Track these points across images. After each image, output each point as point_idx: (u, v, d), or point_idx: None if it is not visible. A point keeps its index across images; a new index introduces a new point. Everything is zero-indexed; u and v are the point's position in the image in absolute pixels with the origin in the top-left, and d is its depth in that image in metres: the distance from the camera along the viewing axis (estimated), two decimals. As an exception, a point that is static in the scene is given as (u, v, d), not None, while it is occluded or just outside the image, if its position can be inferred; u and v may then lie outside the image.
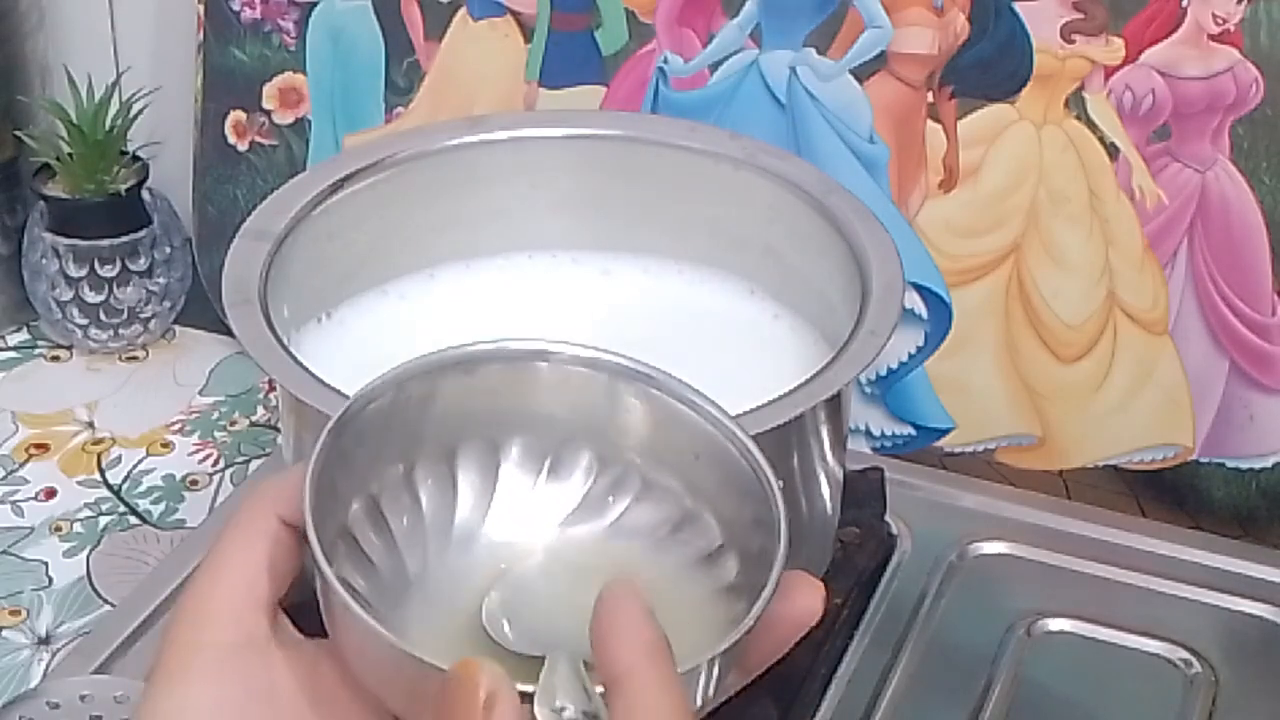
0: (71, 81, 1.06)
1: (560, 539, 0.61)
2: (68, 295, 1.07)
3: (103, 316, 1.08)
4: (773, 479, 0.59)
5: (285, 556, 0.56)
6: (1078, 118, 0.92)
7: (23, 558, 0.94)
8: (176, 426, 1.05)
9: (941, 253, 0.96)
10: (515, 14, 1.00)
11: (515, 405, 0.62)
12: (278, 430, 1.03)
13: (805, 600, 0.56)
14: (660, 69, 0.98)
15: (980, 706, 0.82)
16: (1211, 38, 0.89)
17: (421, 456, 0.61)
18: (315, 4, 1.02)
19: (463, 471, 0.62)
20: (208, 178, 1.07)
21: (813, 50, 0.95)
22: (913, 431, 0.98)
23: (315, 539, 0.53)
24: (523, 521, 0.61)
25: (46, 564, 0.94)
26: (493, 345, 0.62)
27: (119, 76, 1.08)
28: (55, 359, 1.11)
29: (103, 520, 0.97)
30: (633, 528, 0.61)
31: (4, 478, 1.00)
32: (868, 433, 0.99)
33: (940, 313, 0.96)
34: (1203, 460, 0.94)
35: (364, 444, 0.59)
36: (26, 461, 1.01)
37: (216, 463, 1.01)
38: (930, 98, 0.94)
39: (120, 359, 1.11)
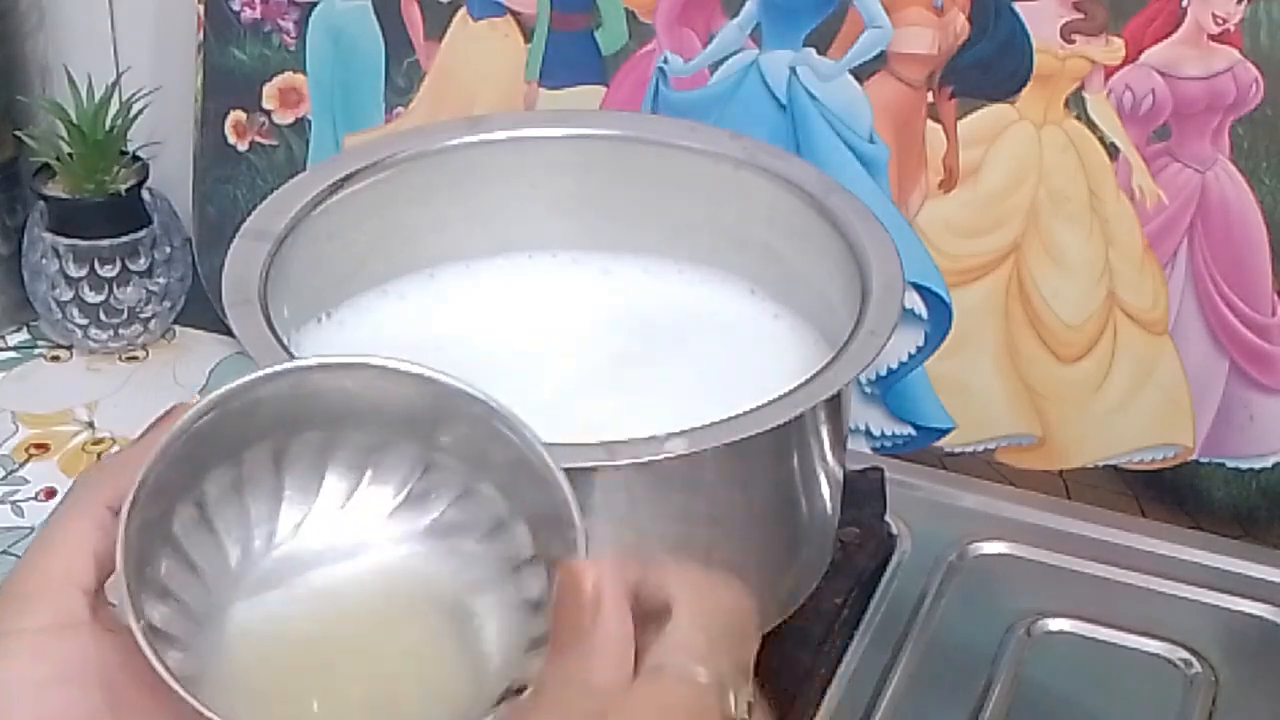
0: (71, 81, 1.06)
1: (376, 547, 0.63)
2: (68, 295, 1.07)
3: (103, 316, 1.08)
4: (578, 519, 0.60)
5: (110, 543, 0.56)
6: (1078, 118, 0.92)
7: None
8: (176, 426, 1.04)
9: (941, 253, 0.96)
10: (515, 14, 1.00)
11: (341, 412, 0.63)
12: (278, 430, 1.03)
13: None
14: (660, 69, 0.98)
15: (980, 706, 0.82)
16: (1211, 38, 0.89)
17: (248, 460, 0.62)
18: (315, 4, 1.02)
19: (289, 475, 0.63)
20: (208, 178, 1.07)
21: (813, 50, 0.95)
22: (913, 431, 0.98)
23: (124, 579, 0.54)
24: (346, 522, 0.63)
25: (46, 564, 0.94)
26: (319, 359, 0.63)
27: (119, 76, 1.08)
28: (55, 359, 1.11)
29: (103, 520, 0.97)
30: (449, 526, 0.63)
31: (4, 478, 1.00)
32: (868, 433, 0.99)
33: (940, 313, 0.96)
34: (1203, 460, 0.94)
35: (195, 452, 0.59)
36: (26, 461, 1.01)
37: (216, 463, 1.01)
38: (930, 98, 0.94)
39: (120, 359, 1.11)
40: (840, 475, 0.79)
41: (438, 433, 0.63)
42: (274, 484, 0.63)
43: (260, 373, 0.60)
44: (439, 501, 0.63)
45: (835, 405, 0.75)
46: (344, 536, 0.63)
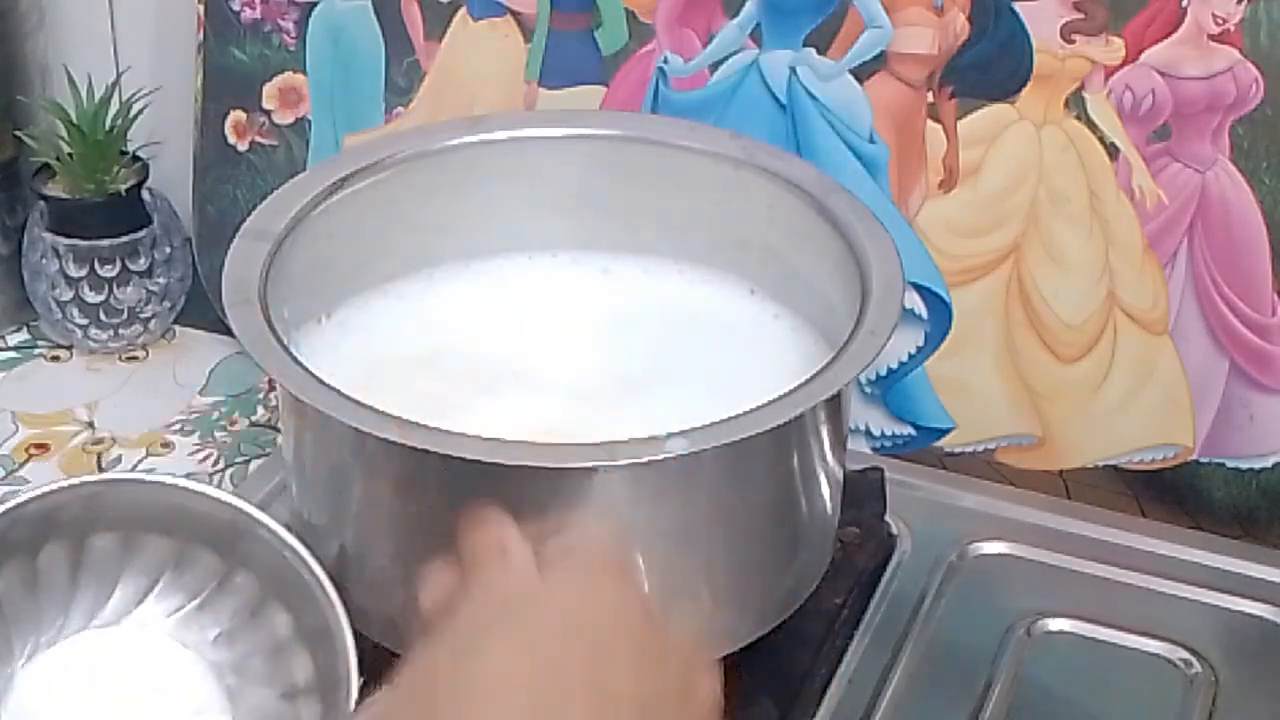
0: (71, 81, 1.06)
1: (159, 650, 0.67)
2: (68, 295, 1.07)
3: (103, 316, 1.08)
4: (335, 597, 0.65)
5: None
6: (1078, 118, 0.92)
7: (23, 558, 0.94)
8: (176, 426, 1.05)
9: (941, 253, 0.96)
10: (515, 14, 1.00)
11: (143, 518, 0.66)
12: (278, 430, 1.03)
13: None
14: (660, 69, 0.98)
15: (980, 706, 0.82)
16: (1211, 38, 0.89)
17: (44, 558, 0.65)
18: (315, 4, 1.02)
19: (84, 575, 0.67)
20: (208, 178, 1.07)
21: (813, 50, 0.95)
22: (913, 431, 0.98)
23: None
24: (135, 623, 0.67)
25: (46, 564, 0.94)
26: (115, 476, 0.70)
27: (119, 76, 1.08)
28: (55, 359, 1.11)
29: (103, 520, 0.97)
30: (234, 638, 0.67)
31: (4, 478, 1.00)
32: (868, 433, 0.99)
33: (940, 313, 0.96)
34: (1203, 460, 0.94)
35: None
36: (26, 461, 1.01)
37: (216, 463, 1.01)
38: (930, 98, 0.94)
39: (120, 359, 1.11)
40: (840, 475, 0.79)
41: (237, 548, 0.66)
42: (68, 582, 0.64)
43: (58, 484, 0.63)
44: (227, 615, 0.66)
45: (835, 405, 0.75)
46: (130, 636, 0.65)
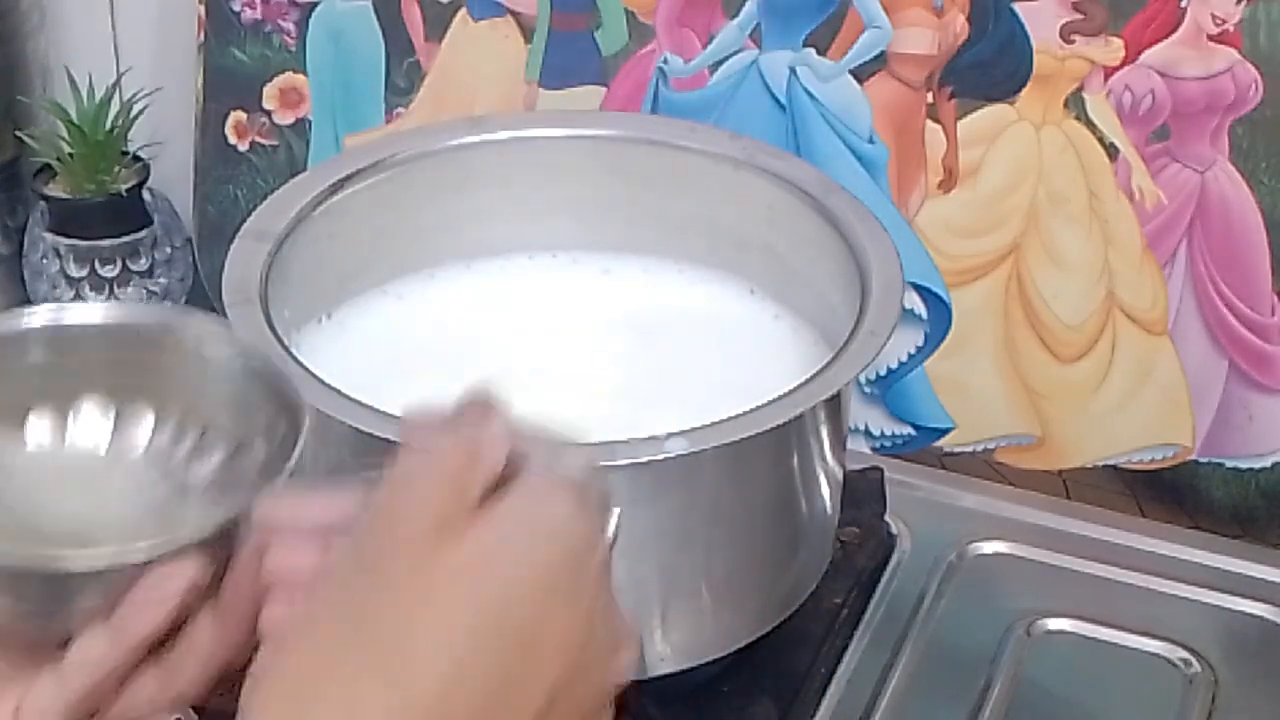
0: (72, 82, 1.06)
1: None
2: (69, 295, 1.07)
3: (103, 317, 1.08)
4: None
5: None
6: (1077, 118, 0.92)
7: (23, 557, 0.94)
8: (177, 426, 1.04)
9: (941, 253, 0.96)
10: (515, 14, 1.00)
11: (71, 370, 0.65)
12: (278, 430, 1.03)
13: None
14: (660, 69, 0.98)
15: (980, 706, 0.82)
16: (1211, 38, 0.89)
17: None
18: (316, 4, 1.02)
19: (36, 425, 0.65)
20: (208, 178, 1.07)
21: (813, 50, 0.95)
22: (912, 431, 0.98)
23: None
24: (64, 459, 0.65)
25: (47, 564, 0.94)
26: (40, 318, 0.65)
27: (120, 77, 1.08)
28: (56, 359, 1.11)
29: (103, 520, 0.97)
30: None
31: (5, 478, 1.00)
32: (868, 433, 0.99)
33: (940, 313, 0.96)
34: (1202, 460, 0.94)
35: None
36: (27, 461, 1.01)
37: (217, 463, 1.01)
38: (930, 98, 0.94)
39: (121, 359, 1.10)
40: (840, 475, 0.79)
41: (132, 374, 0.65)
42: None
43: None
44: (184, 445, 0.65)
45: (835, 405, 0.75)
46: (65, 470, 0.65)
